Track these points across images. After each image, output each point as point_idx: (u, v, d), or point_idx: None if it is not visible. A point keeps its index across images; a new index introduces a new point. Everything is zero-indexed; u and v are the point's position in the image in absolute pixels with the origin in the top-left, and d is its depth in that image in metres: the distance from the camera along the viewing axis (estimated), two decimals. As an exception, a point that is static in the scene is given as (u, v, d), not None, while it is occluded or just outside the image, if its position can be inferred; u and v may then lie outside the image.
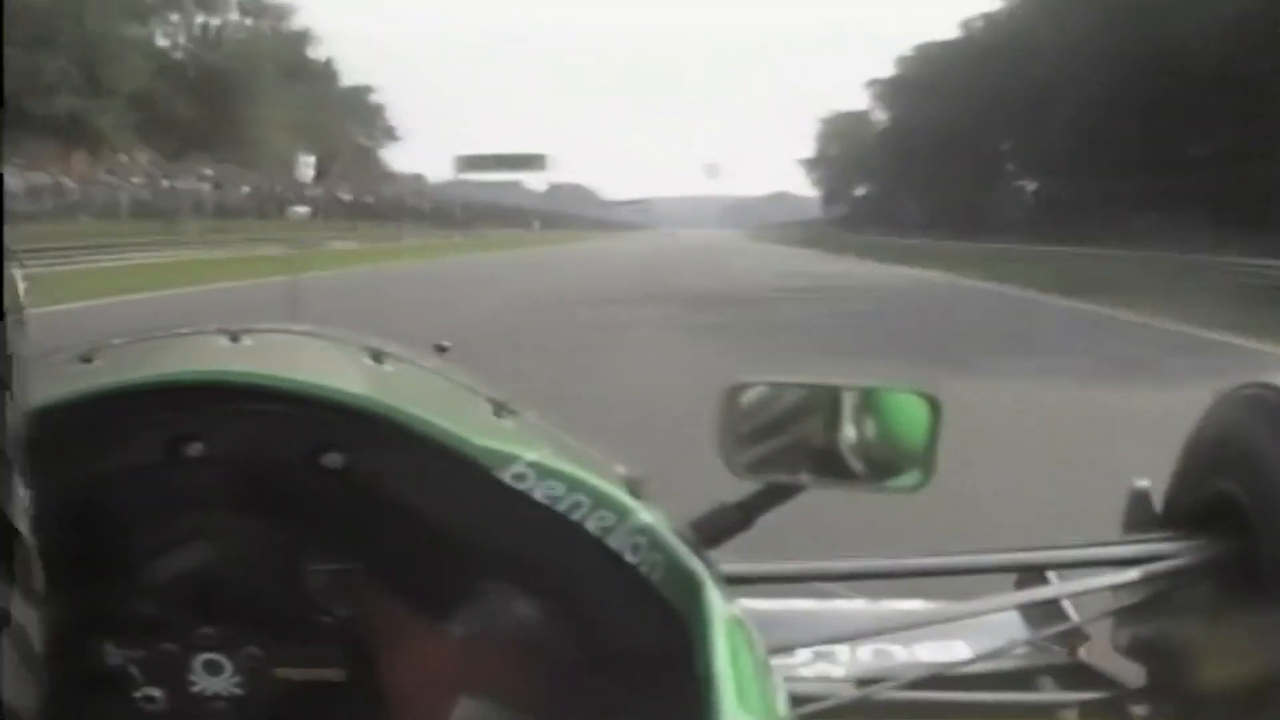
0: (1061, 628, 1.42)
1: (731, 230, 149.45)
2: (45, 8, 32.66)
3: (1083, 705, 1.37)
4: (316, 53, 54.55)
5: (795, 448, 1.06)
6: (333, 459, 0.88)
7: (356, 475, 0.89)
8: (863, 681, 1.30)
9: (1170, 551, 1.36)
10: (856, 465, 1.05)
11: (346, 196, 47.38)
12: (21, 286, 0.45)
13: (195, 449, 0.88)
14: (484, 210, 75.49)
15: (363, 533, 0.90)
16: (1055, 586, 1.44)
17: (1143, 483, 1.53)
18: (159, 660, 0.88)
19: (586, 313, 15.11)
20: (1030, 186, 44.87)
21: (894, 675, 1.30)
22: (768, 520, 1.05)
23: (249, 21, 49.82)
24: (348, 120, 59.00)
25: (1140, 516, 1.51)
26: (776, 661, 0.99)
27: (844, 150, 71.03)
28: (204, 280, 19.66)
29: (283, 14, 51.40)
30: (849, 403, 1.05)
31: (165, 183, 36.73)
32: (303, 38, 53.10)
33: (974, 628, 1.38)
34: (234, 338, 0.97)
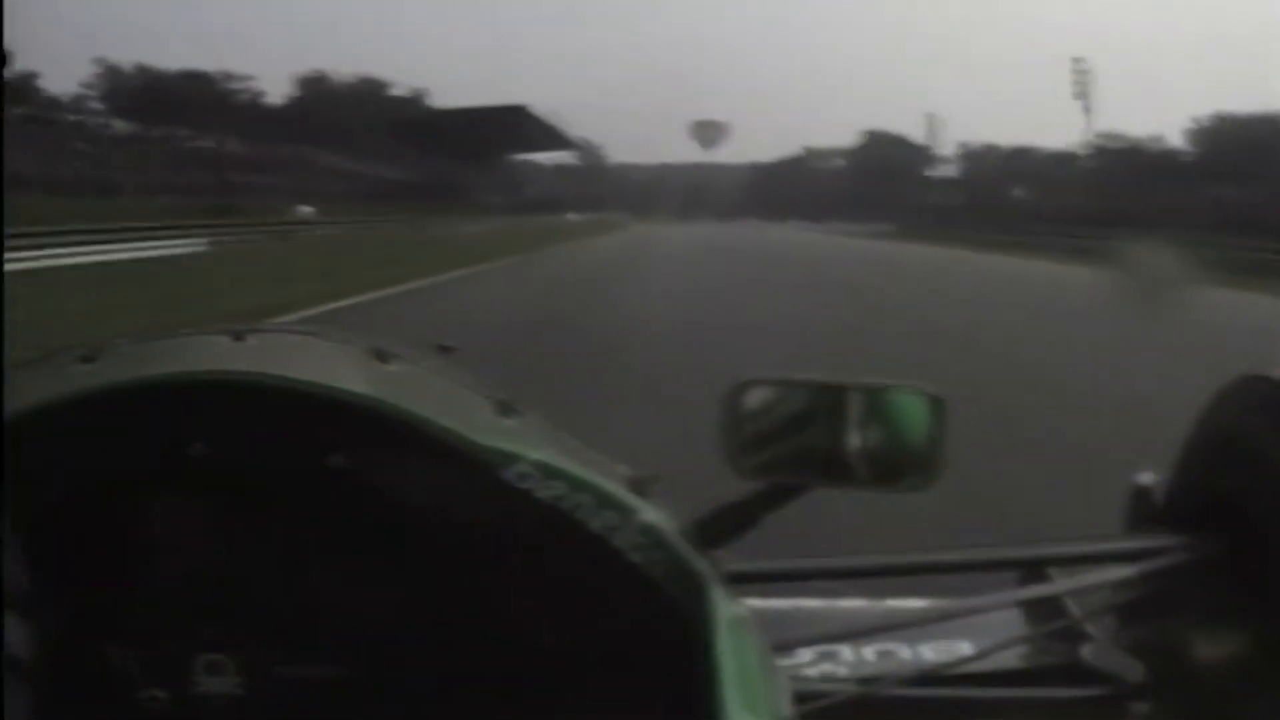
0: (1063, 624, 1.42)
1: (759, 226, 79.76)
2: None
3: (1085, 702, 1.37)
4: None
5: (799, 447, 1.06)
6: (336, 459, 0.88)
7: (360, 475, 0.89)
8: (865, 680, 1.30)
9: (1172, 547, 1.36)
10: (860, 465, 1.05)
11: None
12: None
13: (198, 449, 0.88)
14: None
15: (366, 532, 0.90)
16: (1057, 583, 1.44)
17: (1145, 478, 1.53)
18: (162, 660, 0.88)
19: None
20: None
21: (896, 673, 1.31)
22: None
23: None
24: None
25: (1142, 512, 1.51)
26: (779, 660, 1.00)
27: None
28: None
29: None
30: (853, 402, 1.05)
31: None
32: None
33: (976, 625, 1.38)
34: (238, 337, 0.97)
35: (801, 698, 0.97)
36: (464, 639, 0.90)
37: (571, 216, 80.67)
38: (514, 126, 74.91)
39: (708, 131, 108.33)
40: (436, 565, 0.90)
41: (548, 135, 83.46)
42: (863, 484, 1.06)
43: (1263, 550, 1.27)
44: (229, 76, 67.91)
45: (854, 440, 1.05)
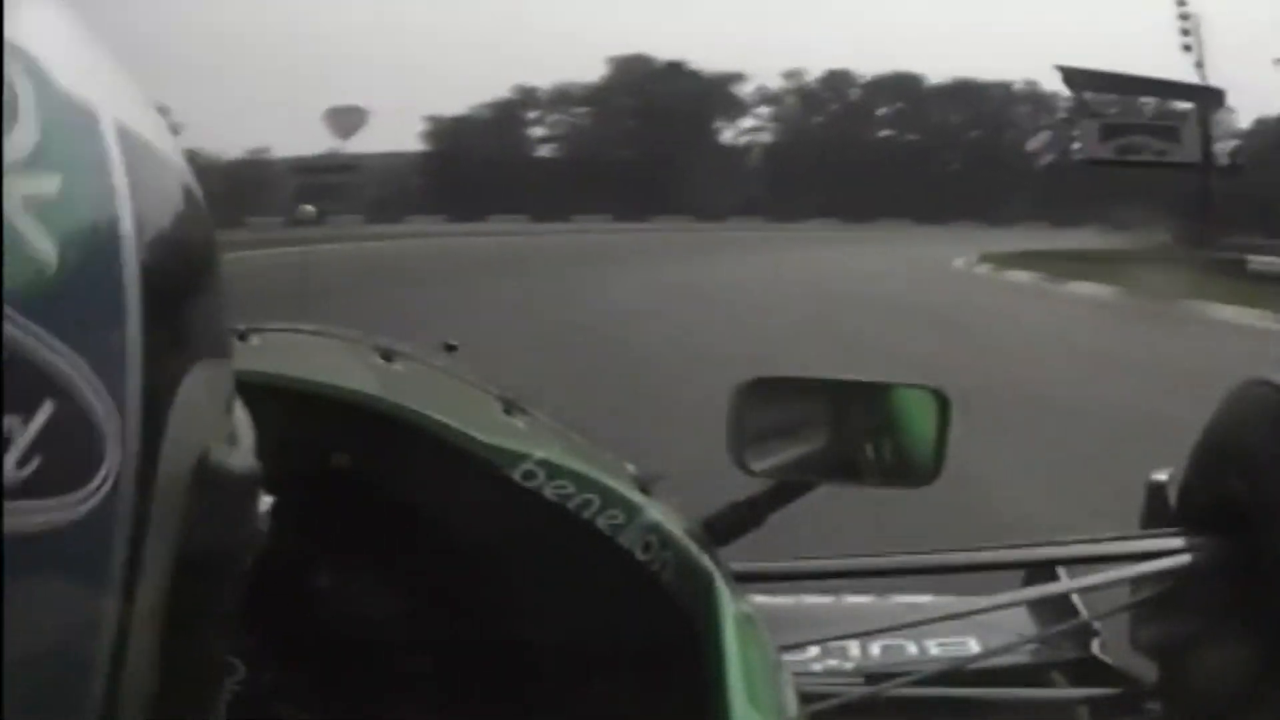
0: (1072, 623, 1.42)
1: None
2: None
3: (1093, 701, 1.37)
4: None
5: (805, 445, 1.06)
6: (341, 458, 0.88)
7: (365, 474, 0.88)
8: (873, 677, 1.29)
9: (1181, 548, 1.36)
10: (866, 462, 1.05)
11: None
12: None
13: None
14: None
15: (371, 532, 0.90)
16: (1066, 582, 1.43)
17: (1160, 477, 1.52)
18: None
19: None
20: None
21: (904, 671, 1.30)
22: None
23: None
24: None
25: (1155, 511, 1.50)
26: (786, 658, 0.99)
27: None
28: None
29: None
30: (858, 400, 1.05)
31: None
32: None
33: (984, 623, 1.38)
34: (242, 337, 0.97)
35: (808, 696, 0.96)
36: (469, 638, 0.90)
37: None
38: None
39: (345, 118, 59.30)
40: (441, 564, 0.90)
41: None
42: (869, 482, 1.05)
43: (1266, 552, 1.26)
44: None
45: (860, 438, 1.05)
